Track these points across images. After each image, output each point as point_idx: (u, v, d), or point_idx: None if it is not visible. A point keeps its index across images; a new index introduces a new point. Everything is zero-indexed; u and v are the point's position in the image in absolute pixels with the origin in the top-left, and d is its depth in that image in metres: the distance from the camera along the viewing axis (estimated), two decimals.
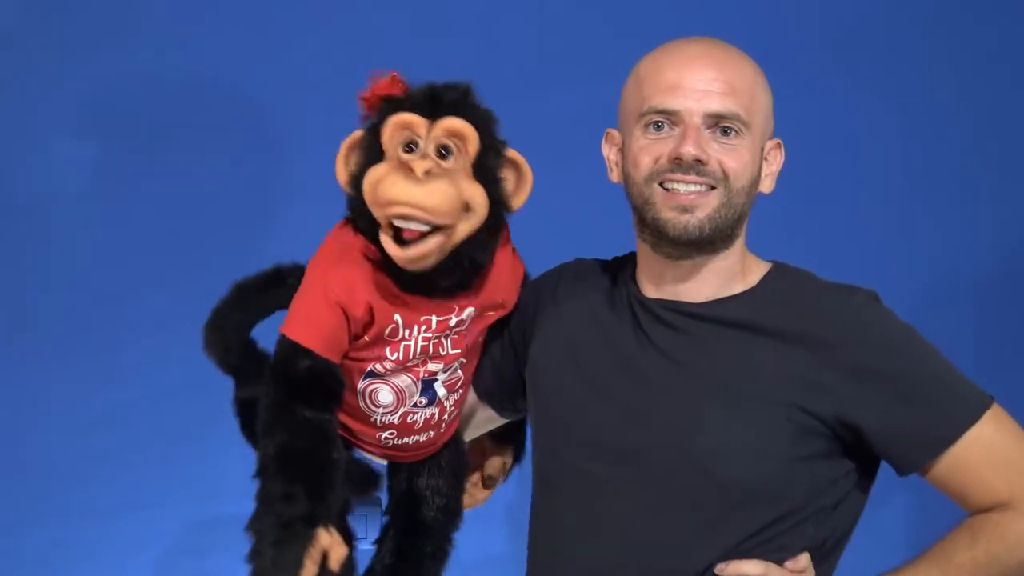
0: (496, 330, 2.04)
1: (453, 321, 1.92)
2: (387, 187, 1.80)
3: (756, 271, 1.95)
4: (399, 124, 1.85)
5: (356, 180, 1.85)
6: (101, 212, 3.18)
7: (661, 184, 1.88)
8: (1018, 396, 3.28)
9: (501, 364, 2.06)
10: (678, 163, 1.86)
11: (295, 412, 1.87)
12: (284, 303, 1.98)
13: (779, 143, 1.96)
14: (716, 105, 1.87)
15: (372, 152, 1.86)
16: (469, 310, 1.93)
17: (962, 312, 3.35)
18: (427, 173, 1.80)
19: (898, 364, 1.84)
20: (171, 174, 3.19)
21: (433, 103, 1.86)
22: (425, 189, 1.80)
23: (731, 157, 1.87)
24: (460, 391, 2.01)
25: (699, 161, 1.86)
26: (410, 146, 1.84)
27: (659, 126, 1.89)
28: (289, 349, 1.89)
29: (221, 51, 3.19)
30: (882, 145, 3.35)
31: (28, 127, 3.17)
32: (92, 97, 3.18)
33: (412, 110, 1.85)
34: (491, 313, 1.99)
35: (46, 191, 3.18)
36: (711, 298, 1.91)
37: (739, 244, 1.93)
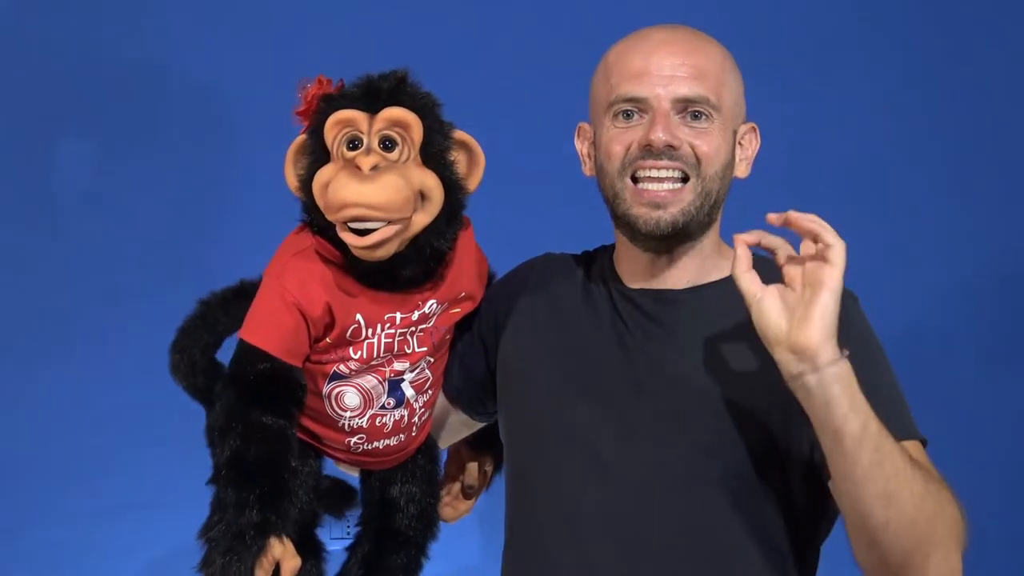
0: (464, 329, 2.01)
1: (416, 316, 1.89)
2: (336, 189, 1.77)
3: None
4: (339, 122, 1.81)
5: (306, 184, 1.82)
6: (102, 212, 3.18)
7: (633, 176, 1.86)
8: (1018, 396, 3.31)
9: (470, 363, 2.03)
10: (649, 150, 1.85)
11: (251, 417, 1.82)
12: None
13: (754, 127, 1.95)
14: (684, 89, 1.85)
15: (317, 154, 1.82)
16: (432, 303, 1.90)
17: (960, 311, 3.36)
18: (374, 168, 1.77)
19: (867, 362, 1.82)
20: (172, 174, 3.19)
21: (370, 96, 1.83)
22: (374, 186, 1.76)
23: (703, 141, 1.86)
24: (429, 392, 1.97)
25: (670, 146, 1.84)
26: (354, 143, 1.81)
27: (628, 115, 1.87)
28: (247, 353, 1.85)
29: (221, 52, 3.19)
30: (882, 145, 3.36)
31: (29, 127, 3.17)
32: (94, 96, 3.18)
33: (350, 106, 1.82)
34: (457, 310, 1.95)
35: (47, 191, 3.18)
36: (692, 283, 1.91)
37: (714, 230, 1.93)
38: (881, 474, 1.68)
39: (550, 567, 1.87)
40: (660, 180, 1.86)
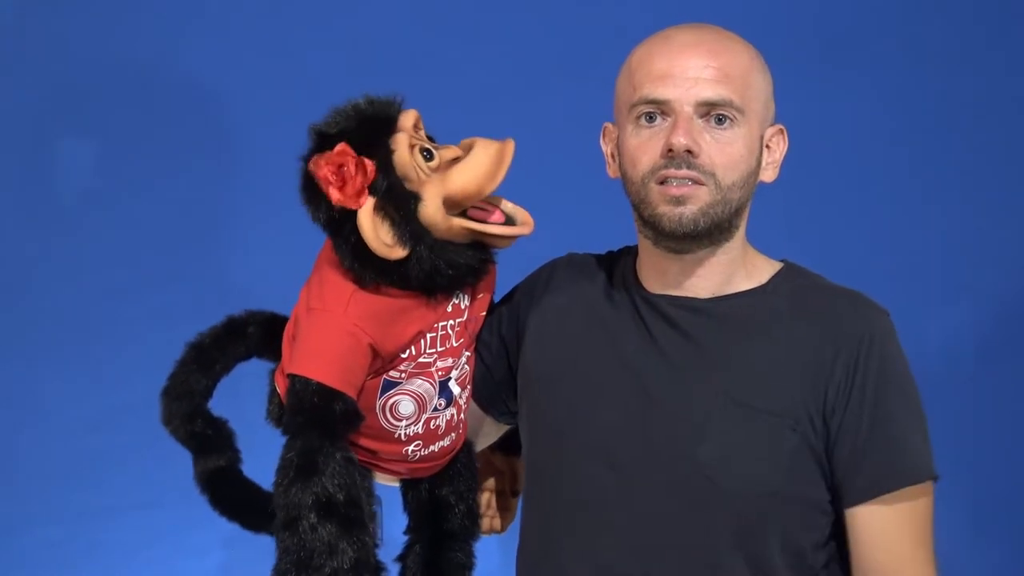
0: (485, 330, 1.99)
1: (450, 308, 1.87)
2: (471, 172, 1.80)
3: (765, 269, 1.91)
4: (410, 146, 1.80)
5: (416, 230, 1.79)
6: (100, 212, 3.18)
7: (658, 180, 1.84)
8: (1018, 396, 3.30)
9: (491, 363, 2.01)
10: (670, 156, 1.82)
11: (333, 458, 1.79)
12: (247, 354, 1.94)
13: (781, 129, 1.91)
14: (708, 92, 1.82)
15: (400, 195, 1.79)
16: (457, 292, 1.89)
17: (962, 310, 3.36)
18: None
19: (884, 395, 1.82)
20: (172, 174, 3.19)
21: (380, 120, 1.82)
22: (481, 144, 1.82)
23: (723, 151, 1.83)
24: (469, 386, 1.96)
25: (690, 152, 1.81)
26: (424, 153, 1.81)
27: (651, 117, 1.84)
28: (320, 393, 1.80)
29: (221, 51, 3.19)
30: (885, 143, 3.35)
31: (28, 127, 3.17)
32: (93, 96, 3.18)
33: (391, 133, 1.81)
34: (481, 295, 1.93)
35: (48, 191, 3.18)
36: (717, 293, 1.88)
37: (739, 236, 1.89)
38: None
39: (566, 572, 1.87)
40: (681, 186, 1.84)
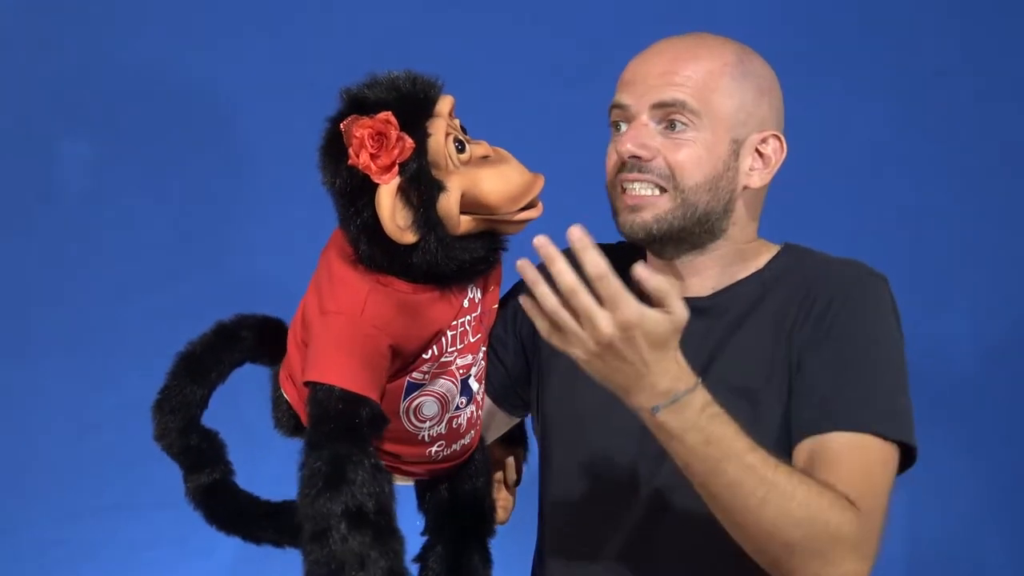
0: (499, 326, 1.98)
1: (466, 303, 1.84)
2: (502, 185, 1.75)
3: (765, 254, 1.91)
4: (446, 132, 1.75)
5: (429, 215, 1.72)
6: (101, 212, 3.18)
7: (621, 189, 1.85)
8: (1018, 396, 3.31)
9: (509, 363, 2.01)
10: (622, 163, 1.83)
11: (362, 466, 1.71)
12: (242, 359, 1.90)
13: (775, 136, 1.89)
14: (661, 95, 1.82)
15: (427, 181, 1.72)
16: (470, 286, 1.85)
17: (962, 311, 3.36)
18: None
19: (871, 339, 1.81)
20: (171, 174, 3.19)
21: (419, 99, 1.75)
22: (516, 164, 1.78)
23: (678, 151, 1.82)
24: (484, 381, 1.93)
25: (637, 157, 1.82)
26: (457, 143, 1.76)
27: (618, 125, 1.86)
28: (345, 400, 1.73)
29: (221, 52, 3.20)
30: (885, 143, 3.36)
31: (28, 127, 3.17)
32: (93, 97, 3.18)
33: (429, 115, 1.75)
34: (493, 287, 1.91)
35: (46, 191, 3.19)
36: (717, 288, 1.89)
37: (731, 238, 1.88)
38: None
39: (594, 563, 1.88)
40: (637, 194, 1.84)
